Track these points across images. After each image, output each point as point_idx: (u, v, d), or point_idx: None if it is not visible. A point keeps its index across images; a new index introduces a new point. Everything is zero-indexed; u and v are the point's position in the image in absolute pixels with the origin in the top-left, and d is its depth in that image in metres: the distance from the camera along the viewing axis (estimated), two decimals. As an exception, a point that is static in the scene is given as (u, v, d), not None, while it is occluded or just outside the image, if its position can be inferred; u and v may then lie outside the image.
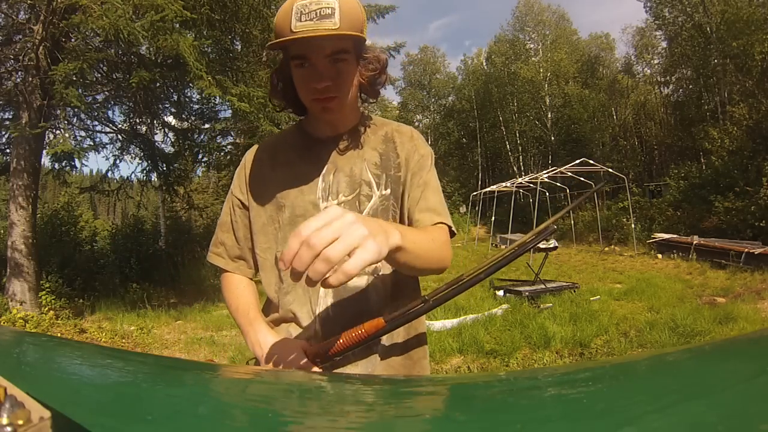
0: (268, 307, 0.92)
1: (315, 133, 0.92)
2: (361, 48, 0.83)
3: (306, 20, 0.73)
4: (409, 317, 0.73)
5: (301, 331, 0.85)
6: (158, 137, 8.60)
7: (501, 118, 27.37)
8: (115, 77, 7.04)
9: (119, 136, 8.13)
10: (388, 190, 0.89)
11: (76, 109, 6.95)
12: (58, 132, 6.92)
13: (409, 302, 0.87)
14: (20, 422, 0.21)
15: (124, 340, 4.83)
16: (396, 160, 0.91)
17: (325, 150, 0.90)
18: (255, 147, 0.96)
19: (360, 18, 0.77)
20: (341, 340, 0.73)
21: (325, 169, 0.88)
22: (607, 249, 13.20)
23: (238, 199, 0.93)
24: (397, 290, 0.90)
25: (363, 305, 0.85)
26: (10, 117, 6.99)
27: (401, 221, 0.89)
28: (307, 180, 0.88)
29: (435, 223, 0.85)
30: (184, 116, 8.46)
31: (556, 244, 10.38)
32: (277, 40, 0.75)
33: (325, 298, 0.84)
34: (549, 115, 25.21)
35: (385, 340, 0.87)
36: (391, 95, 36.86)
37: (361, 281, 0.85)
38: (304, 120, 0.95)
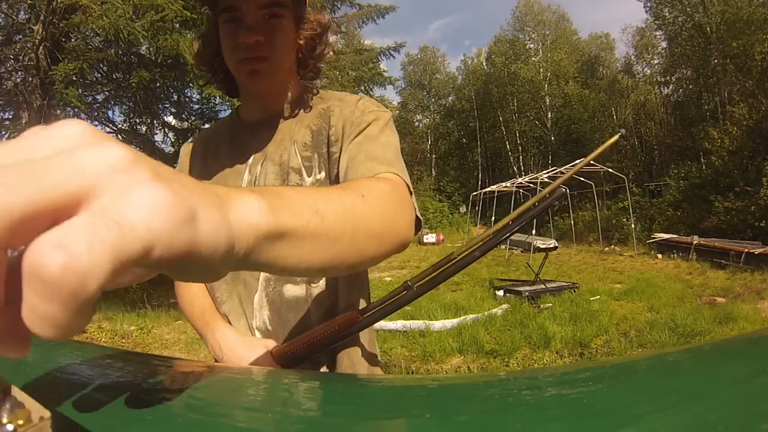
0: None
1: (246, 117, 0.80)
2: (300, 8, 0.72)
3: None
4: (390, 309, 0.58)
5: None
6: (158, 137, 8.61)
7: (501, 118, 27.40)
8: (115, 77, 7.05)
9: (119, 136, 8.12)
10: (323, 173, 0.73)
11: (76, 109, 6.94)
12: (58, 132, 6.92)
13: (356, 305, 0.75)
14: (20, 422, 0.21)
15: (124, 340, 4.83)
16: (328, 133, 0.74)
17: (253, 136, 0.77)
18: (192, 138, 0.85)
19: None
20: (311, 339, 0.62)
21: (251, 158, 0.75)
22: (607, 249, 13.20)
23: None
24: (350, 292, 0.75)
25: (304, 318, 0.73)
26: (10, 117, 6.99)
27: None
28: (232, 174, 0.76)
29: (375, 176, 0.60)
30: (184, 116, 8.47)
31: (556, 244, 10.38)
32: None
33: (260, 311, 0.74)
34: (549, 115, 25.24)
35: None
36: (391, 95, 36.95)
37: (299, 290, 0.73)
38: (240, 104, 0.83)
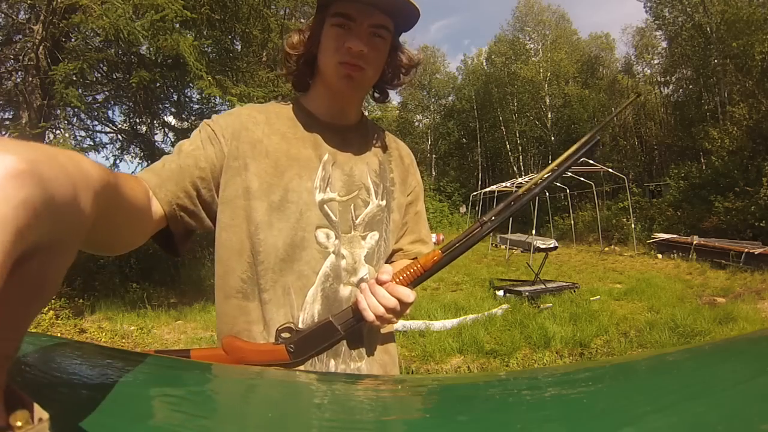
0: (225, 304, 0.78)
1: (316, 113, 0.83)
2: (397, 38, 0.81)
3: None
4: (468, 245, 0.70)
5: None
6: (158, 137, 8.58)
7: (501, 118, 27.38)
8: (115, 77, 7.04)
9: (119, 136, 8.11)
10: (384, 202, 0.84)
11: (76, 109, 6.94)
12: (58, 132, 6.91)
13: None
14: (19, 424, 0.21)
15: (124, 340, 4.82)
16: (390, 174, 0.88)
17: (326, 136, 0.81)
18: (248, 105, 0.84)
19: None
20: (397, 279, 0.69)
21: (326, 156, 0.79)
22: (607, 249, 13.20)
23: (216, 136, 0.75)
24: None
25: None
26: (10, 117, 6.98)
27: (388, 237, 0.85)
28: (305, 163, 0.78)
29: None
30: (184, 116, 8.45)
31: (556, 244, 10.38)
32: None
33: (312, 305, 0.75)
34: (549, 115, 25.24)
35: (374, 339, 0.82)
36: (391, 95, 36.81)
37: (346, 291, 0.78)
38: (305, 98, 0.85)
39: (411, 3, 0.72)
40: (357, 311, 0.70)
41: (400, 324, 4.60)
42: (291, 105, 0.84)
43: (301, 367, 0.75)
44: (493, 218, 0.69)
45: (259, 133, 0.77)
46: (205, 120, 0.79)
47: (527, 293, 5.90)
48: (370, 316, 0.67)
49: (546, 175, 0.73)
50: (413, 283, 0.70)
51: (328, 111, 0.83)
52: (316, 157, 0.79)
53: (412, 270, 0.69)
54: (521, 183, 15.34)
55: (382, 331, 0.85)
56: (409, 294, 0.67)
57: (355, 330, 0.74)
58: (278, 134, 0.79)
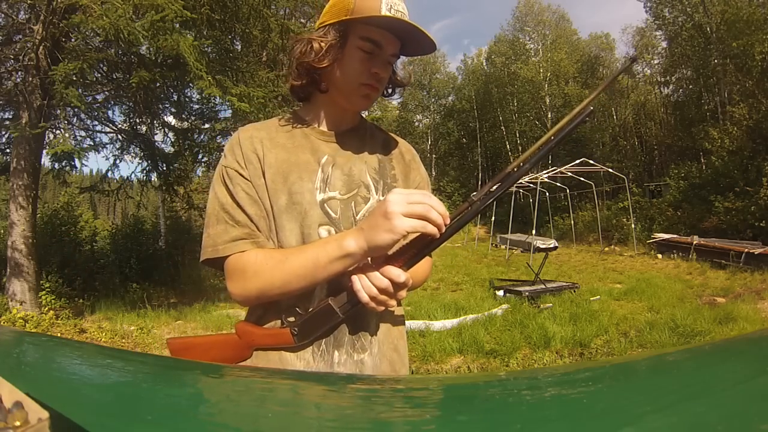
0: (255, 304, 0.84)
1: (316, 123, 0.90)
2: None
3: (395, 14, 0.78)
4: (460, 224, 0.71)
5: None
6: (158, 137, 8.58)
7: (501, 118, 27.39)
8: (115, 77, 7.04)
9: (119, 136, 8.11)
10: (384, 197, 0.85)
11: (76, 109, 6.94)
12: (58, 132, 6.91)
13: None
14: (18, 423, 0.21)
15: (124, 340, 4.82)
16: (391, 171, 0.92)
17: (324, 142, 0.88)
18: (248, 126, 0.89)
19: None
20: (391, 261, 0.71)
21: (324, 159, 0.85)
22: (607, 249, 13.20)
23: (239, 173, 0.82)
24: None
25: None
26: (10, 117, 6.98)
27: None
28: (305, 166, 0.84)
29: None
30: (184, 116, 8.45)
31: (556, 244, 10.38)
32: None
33: (320, 293, 0.80)
34: (549, 115, 25.23)
35: (379, 333, 0.84)
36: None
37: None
38: (304, 109, 0.92)
39: (431, 39, 0.80)
40: (352, 293, 0.72)
41: (400, 324, 4.59)
42: (290, 119, 0.91)
43: (304, 361, 0.78)
44: (482, 196, 0.71)
45: (263, 149, 0.85)
46: (221, 164, 0.85)
47: (527, 293, 5.90)
48: (364, 297, 0.71)
49: (538, 152, 0.74)
50: (407, 264, 0.72)
51: (329, 120, 0.90)
52: (315, 160, 0.85)
53: (409, 247, 0.72)
54: (521, 183, 15.33)
55: (392, 326, 0.88)
56: (399, 274, 0.70)
57: (355, 314, 0.77)
58: (278, 147, 0.86)
